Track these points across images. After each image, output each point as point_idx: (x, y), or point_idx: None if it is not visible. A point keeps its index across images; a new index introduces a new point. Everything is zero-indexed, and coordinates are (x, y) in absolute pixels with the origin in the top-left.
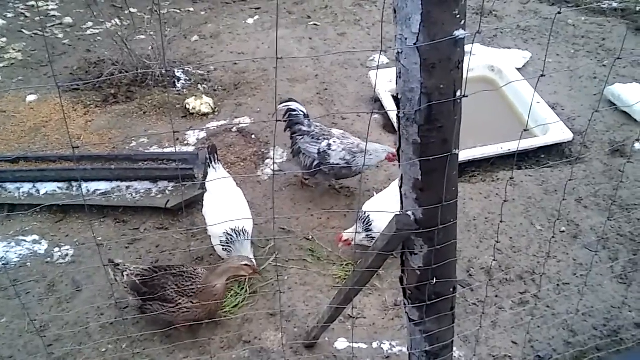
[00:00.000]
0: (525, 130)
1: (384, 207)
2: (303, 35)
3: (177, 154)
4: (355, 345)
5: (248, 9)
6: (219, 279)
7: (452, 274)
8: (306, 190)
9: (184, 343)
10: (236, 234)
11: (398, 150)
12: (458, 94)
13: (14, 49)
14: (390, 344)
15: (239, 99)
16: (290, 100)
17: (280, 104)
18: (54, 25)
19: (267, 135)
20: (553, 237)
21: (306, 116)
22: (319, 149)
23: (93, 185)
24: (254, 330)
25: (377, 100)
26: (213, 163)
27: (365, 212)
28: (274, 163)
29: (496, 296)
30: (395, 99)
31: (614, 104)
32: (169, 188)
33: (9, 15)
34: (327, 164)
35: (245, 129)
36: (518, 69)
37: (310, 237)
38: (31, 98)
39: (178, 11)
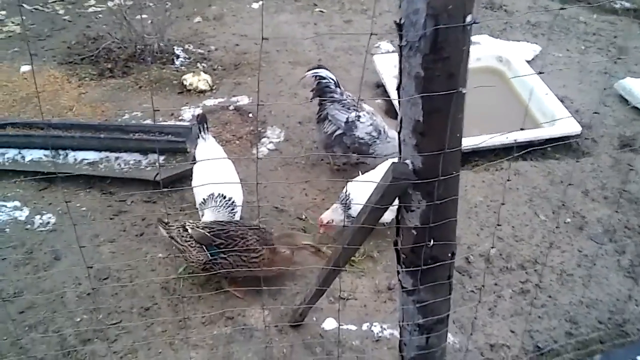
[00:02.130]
0: (522, 130)
1: (368, 187)
2: (308, 20)
3: (169, 126)
4: (343, 326)
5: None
6: (286, 247)
7: (451, 236)
8: (302, 171)
9: (163, 318)
10: (217, 199)
11: (398, 89)
12: (468, 19)
13: (13, 22)
14: (381, 327)
15: (238, 78)
16: (319, 66)
17: (308, 70)
18: (55, 2)
19: (264, 115)
20: (557, 227)
21: (337, 85)
22: (347, 118)
23: (81, 155)
24: (237, 306)
25: (379, 85)
26: (202, 133)
27: (345, 191)
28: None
29: (495, 284)
30: (398, 25)
31: (625, 99)
32: (160, 161)
33: None
34: (351, 135)
35: (242, 107)
36: (527, 62)
37: (304, 216)
38: (25, 68)
39: None
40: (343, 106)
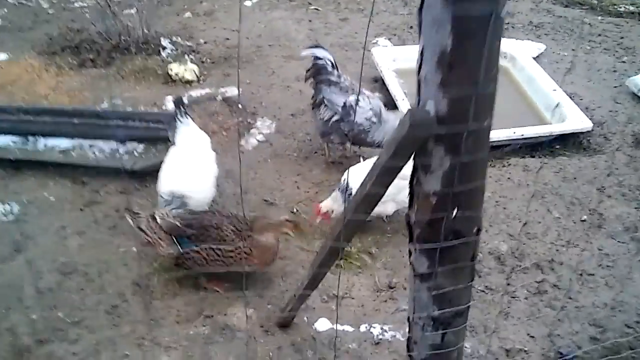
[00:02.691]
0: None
1: None
2: (302, 17)
3: (150, 113)
4: (339, 327)
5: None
6: (263, 235)
7: (478, 205)
8: (294, 163)
9: (132, 316)
10: (172, 199)
11: (420, 9)
12: None
13: None
14: (382, 328)
15: (228, 70)
16: (317, 46)
17: (306, 49)
18: None
19: (254, 106)
20: (574, 223)
21: (334, 66)
22: (345, 102)
23: (52, 141)
24: (218, 304)
25: (377, 80)
26: (179, 116)
27: (346, 178)
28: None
29: (508, 284)
30: None
31: (638, 96)
32: (139, 149)
33: None
34: (349, 121)
35: (231, 97)
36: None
37: (295, 210)
38: (2, 57)
39: None
40: (340, 89)
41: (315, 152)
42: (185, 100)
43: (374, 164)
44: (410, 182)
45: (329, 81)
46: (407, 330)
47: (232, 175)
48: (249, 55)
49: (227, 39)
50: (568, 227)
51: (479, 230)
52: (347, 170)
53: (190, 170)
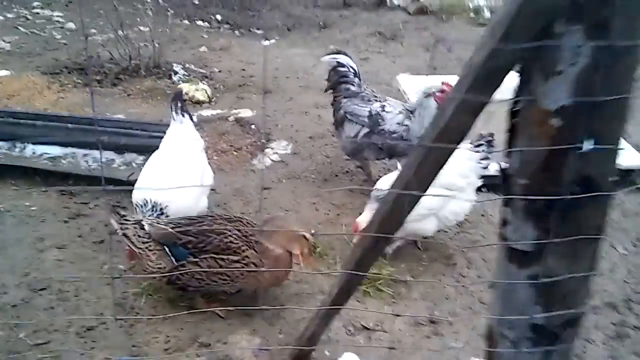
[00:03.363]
0: None
1: None
2: (321, 54)
3: (153, 123)
4: None
5: (265, 39)
6: (275, 245)
7: (618, 134)
8: (312, 185)
9: (110, 341)
10: (148, 207)
11: None
12: None
13: (4, 40)
14: None
15: (242, 94)
16: (339, 52)
17: (327, 55)
18: (54, 28)
19: (270, 127)
20: None
21: (357, 74)
22: (370, 111)
23: (42, 148)
24: (217, 330)
25: None
26: (174, 113)
27: (378, 188)
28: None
29: None
30: None
31: None
32: (137, 161)
33: (10, 15)
34: (380, 131)
35: (244, 118)
36: None
37: (313, 232)
38: (3, 73)
39: (189, 33)
40: (362, 99)
41: (336, 175)
42: (195, 118)
43: (458, 81)
44: (512, 109)
45: (349, 92)
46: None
47: (240, 194)
48: (265, 84)
49: (243, 69)
50: (638, 263)
51: (615, 181)
52: (380, 179)
53: (169, 174)
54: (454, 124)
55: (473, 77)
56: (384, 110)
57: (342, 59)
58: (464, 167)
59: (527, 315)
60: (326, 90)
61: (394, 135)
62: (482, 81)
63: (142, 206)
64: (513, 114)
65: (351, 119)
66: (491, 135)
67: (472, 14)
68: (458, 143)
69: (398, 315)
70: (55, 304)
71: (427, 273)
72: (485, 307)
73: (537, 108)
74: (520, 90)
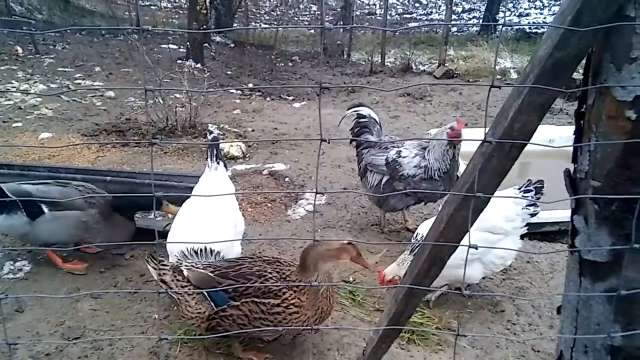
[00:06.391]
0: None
1: None
2: (352, 114)
3: (192, 175)
4: None
5: (295, 102)
6: (314, 271)
7: None
8: (348, 234)
9: None
10: (194, 254)
11: None
12: None
13: (47, 107)
14: None
15: (276, 149)
16: (360, 105)
17: (349, 108)
18: (94, 96)
19: (303, 179)
20: None
21: (377, 123)
22: (387, 159)
23: None
24: None
25: None
26: (209, 160)
27: (417, 235)
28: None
29: None
30: None
31: None
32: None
33: (53, 85)
34: (400, 177)
35: (277, 172)
36: None
37: (351, 279)
38: (45, 135)
39: (223, 99)
40: (380, 148)
41: (372, 225)
42: (230, 172)
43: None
44: (581, 100)
45: (368, 142)
46: None
47: (276, 244)
48: (297, 142)
49: (275, 128)
50: None
51: None
52: (419, 226)
53: (204, 223)
54: (517, 124)
55: (539, 71)
56: (400, 156)
57: (363, 110)
58: (509, 211)
59: (602, 333)
60: (351, 142)
61: (414, 179)
62: (549, 75)
63: (179, 258)
64: (580, 114)
65: (371, 170)
66: (540, 182)
67: (498, 76)
68: (522, 149)
69: None
70: (90, 353)
71: (474, 320)
72: (540, 356)
73: (609, 101)
74: (589, 84)
